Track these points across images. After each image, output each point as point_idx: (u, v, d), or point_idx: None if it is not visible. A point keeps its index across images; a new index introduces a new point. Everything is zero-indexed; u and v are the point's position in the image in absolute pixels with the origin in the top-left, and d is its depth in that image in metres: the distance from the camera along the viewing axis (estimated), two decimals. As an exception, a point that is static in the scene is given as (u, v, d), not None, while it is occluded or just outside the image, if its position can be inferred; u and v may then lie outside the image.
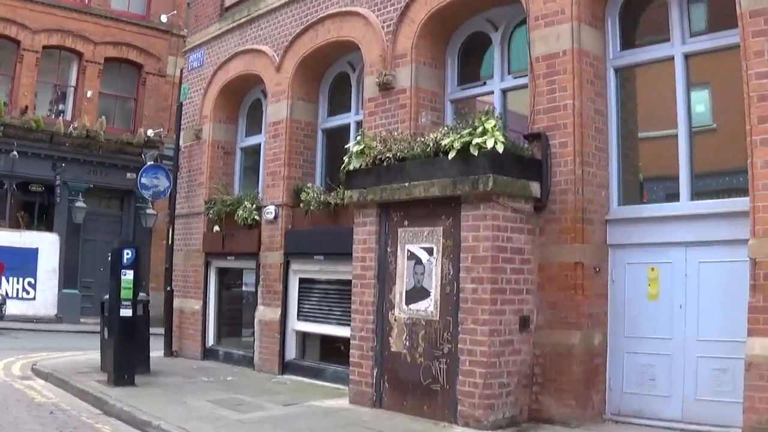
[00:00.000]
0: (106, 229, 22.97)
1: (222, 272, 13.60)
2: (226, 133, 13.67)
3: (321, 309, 10.98)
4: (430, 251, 8.26)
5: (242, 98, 13.63)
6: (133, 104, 23.48)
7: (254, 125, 13.41)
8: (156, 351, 13.51)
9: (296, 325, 11.43)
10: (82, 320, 21.57)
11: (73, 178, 21.99)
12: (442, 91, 9.95)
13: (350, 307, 9.33)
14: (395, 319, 8.57)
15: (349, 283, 9.84)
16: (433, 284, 8.18)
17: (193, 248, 13.85)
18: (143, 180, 14.37)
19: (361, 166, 8.90)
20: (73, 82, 22.73)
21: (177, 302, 14.06)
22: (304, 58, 11.57)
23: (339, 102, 11.74)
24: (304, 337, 11.54)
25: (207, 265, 13.54)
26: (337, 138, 11.76)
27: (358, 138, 9.17)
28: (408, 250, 8.49)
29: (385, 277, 8.74)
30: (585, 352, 7.91)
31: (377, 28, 10.24)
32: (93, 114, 22.22)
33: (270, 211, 11.60)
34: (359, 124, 10.65)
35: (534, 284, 8.15)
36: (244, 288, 13.07)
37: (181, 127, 14.39)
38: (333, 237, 10.38)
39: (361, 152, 8.92)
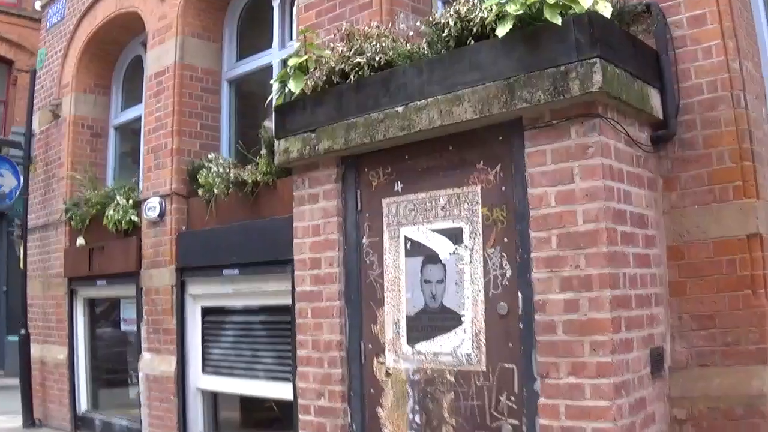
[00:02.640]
0: (-24, 260, 17.43)
1: (93, 304, 8.65)
2: (94, 107, 8.75)
3: (240, 355, 6.24)
4: (455, 235, 3.83)
5: (117, 56, 8.74)
6: (2, 107, 18.03)
7: (134, 94, 8.51)
8: (13, 419, 9.01)
9: (201, 381, 6.66)
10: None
11: (-72, 200, 16.41)
12: (426, -18, 5.57)
13: (290, 352, 4.86)
14: (387, 374, 4.09)
15: (283, 310, 5.35)
16: (468, 300, 3.74)
17: (52, 272, 8.88)
18: (-22, 179, 9.40)
19: (304, 92, 4.43)
20: (-74, 84, 17.20)
21: (36, 350, 9.01)
22: (198, -24, 7.00)
23: (254, 38, 7.10)
24: (215, 399, 6.78)
25: (72, 294, 8.55)
26: (252, 90, 7.14)
27: (298, 46, 4.70)
28: (407, 239, 4.03)
29: (360, 294, 4.24)
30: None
31: None
32: (-47, 121, 16.80)
33: (153, 206, 6.85)
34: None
35: (663, 284, 3.87)
36: (122, 326, 8.21)
37: (35, 105, 9.49)
38: (253, 235, 5.74)
39: (303, 68, 4.45)
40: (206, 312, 6.60)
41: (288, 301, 5.16)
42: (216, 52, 7.14)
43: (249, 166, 5.85)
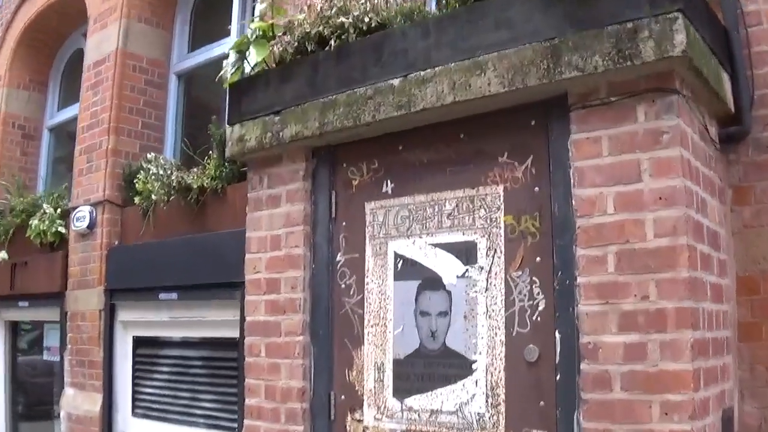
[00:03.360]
0: None
1: (15, 328, 7.32)
2: (27, 104, 7.43)
3: (176, 396, 4.97)
4: (465, 252, 2.73)
5: (57, 49, 7.46)
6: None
7: (73, 93, 7.25)
8: None
9: (130, 425, 5.34)
10: None
11: None
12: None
13: (236, 396, 3.71)
14: (364, 435, 2.99)
15: (229, 344, 4.20)
16: (482, 340, 2.66)
17: (-28, 291, 7.56)
18: None
19: (267, 64, 3.36)
20: None
21: (-49, 379, 7.67)
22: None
23: (210, 27, 5.95)
24: (144, 446, 5.56)
25: (-8, 317, 7.28)
26: (204, 86, 6.01)
27: (263, 8, 3.62)
28: (398, 257, 2.94)
29: (332, 329, 3.09)
30: None
31: None
32: None
33: (82, 216, 5.61)
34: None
35: (733, 325, 2.86)
36: (45, 355, 6.87)
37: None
38: (197, 252, 4.54)
39: (268, 34, 3.39)
40: (138, 343, 5.35)
41: (236, 333, 4.02)
42: (165, 40, 5.98)
43: (195, 170, 4.70)
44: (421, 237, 2.86)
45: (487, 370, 2.60)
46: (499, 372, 2.58)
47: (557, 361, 2.46)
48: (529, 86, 2.51)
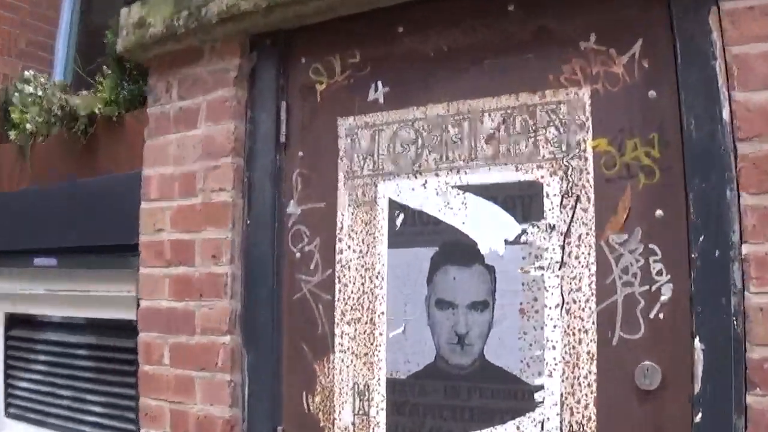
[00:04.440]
0: None
1: None
2: None
3: (57, 395, 3.65)
4: (522, 202, 1.52)
5: None
6: None
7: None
8: None
9: (4, 428, 3.98)
10: None
11: None
12: None
13: (135, 399, 2.42)
14: (331, 495, 1.77)
15: (125, 328, 2.81)
16: (554, 351, 1.48)
17: None
18: None
19: None
20: None
21: None
22: None
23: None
24: (21, 453, 4.14)
25: None
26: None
27: None
28: (397, 207, 1.73)
29: (279, 325, 1.84)
30: None
31: None
32: None
33: (-62, 158, 4.14)
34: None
35: None
36: None
37: None
38: (83, 202, 3.19)
39: None
40: (12, 322, 3.89)
41: (134, 314, 2.71)
42: (56, -65, 4.46)
43: (87, 92, 3.29)
44: (438, 175, 1.62)
45: (562, 403, 1.42)
46: (587, 406, 1.40)
47: (698, 390, 1.30)
48: None
